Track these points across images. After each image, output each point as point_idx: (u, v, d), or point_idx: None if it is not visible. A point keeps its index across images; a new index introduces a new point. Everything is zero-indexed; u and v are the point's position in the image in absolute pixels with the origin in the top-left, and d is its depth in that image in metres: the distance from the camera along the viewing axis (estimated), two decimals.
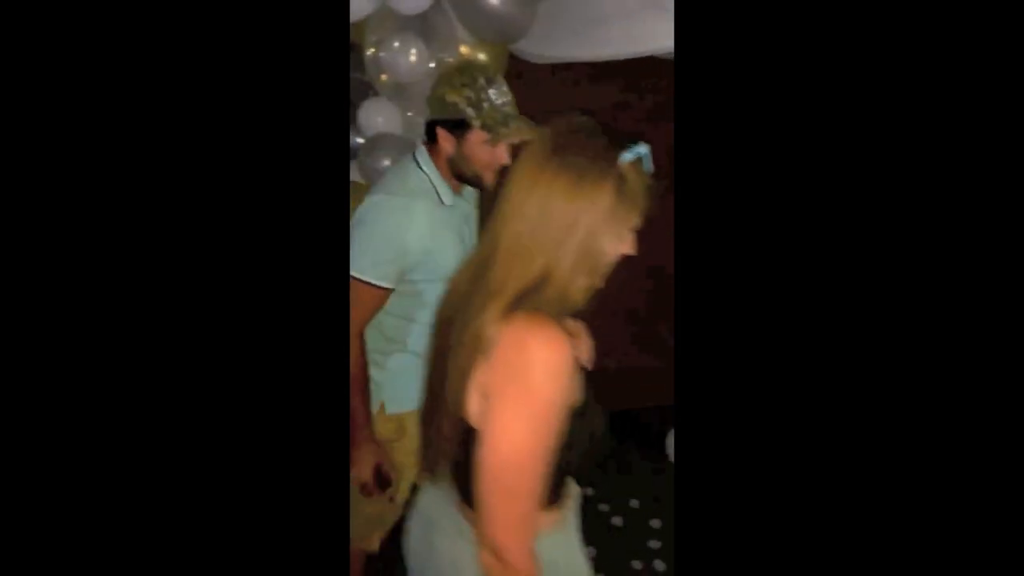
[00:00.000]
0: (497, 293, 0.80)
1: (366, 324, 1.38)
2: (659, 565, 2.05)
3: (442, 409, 0.87)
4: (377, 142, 1.88)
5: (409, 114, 1.95)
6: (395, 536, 1.33)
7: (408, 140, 1.89)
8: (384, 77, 1.87)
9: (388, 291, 1.35)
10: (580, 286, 0.82)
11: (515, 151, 1.32)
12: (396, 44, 1.77)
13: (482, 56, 1.90)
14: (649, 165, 0.82)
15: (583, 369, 0.98)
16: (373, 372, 1.43)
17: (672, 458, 2.60)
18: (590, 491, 2.46)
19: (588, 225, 0.79)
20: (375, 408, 1.45)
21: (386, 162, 1.82)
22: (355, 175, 1.96)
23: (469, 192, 1.53)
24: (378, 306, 1.37)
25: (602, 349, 1.12)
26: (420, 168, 1.40)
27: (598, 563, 2.15)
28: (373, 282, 1.31)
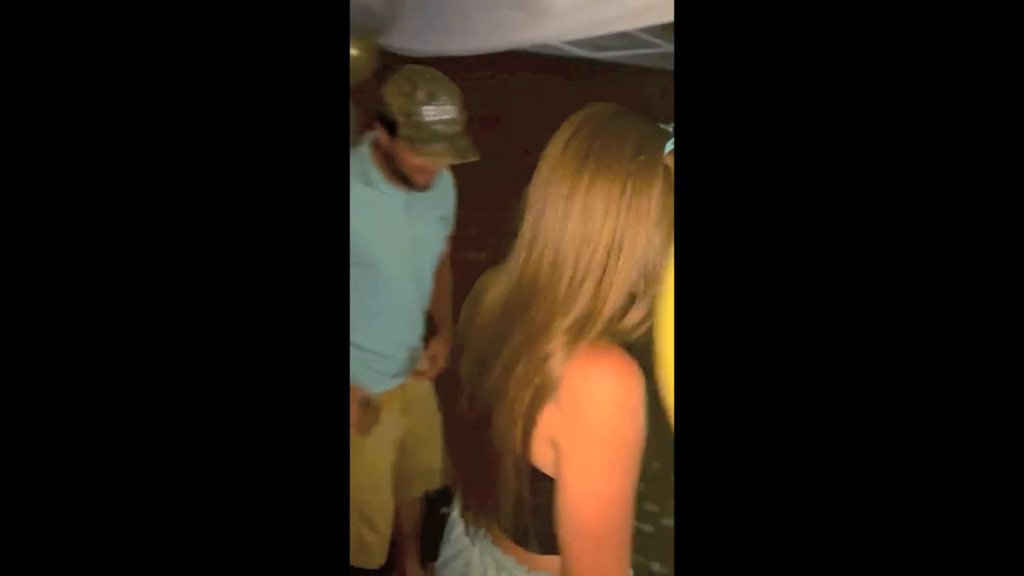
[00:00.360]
0: (547, 326, 0.70)
1: None
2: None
3: (495, 455, 0.77)
4: None
5: None
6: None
7: None
8: None
9: None
10: (640, 309, 0.72)
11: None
12: None
13: (354, 52, 1.85)
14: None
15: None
16: None
17: None
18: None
19: (641, 234, 0.69)
20: None
21: None
22: None
23: (445, 181, 1.53)
24: None
25: None
26: (363, 150, 1.41)
27: None
28: None
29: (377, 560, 1.60)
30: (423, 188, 1.42)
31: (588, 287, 0.69)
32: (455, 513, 0.99)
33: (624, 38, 2.09)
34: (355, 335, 1.42)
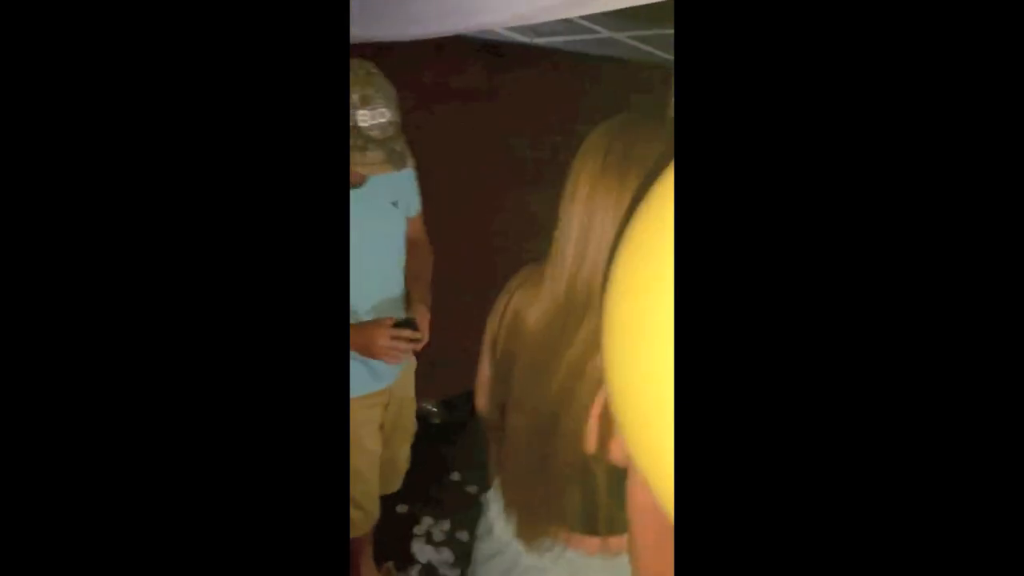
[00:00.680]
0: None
1: None
2: None
3: (560, 456, 0.83)
4: None
5: None
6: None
7: None
8: None
9: None
10: None
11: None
12: None
13: None
14: None
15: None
16: None
17: None
18: (456, 476, 2.46)
19: None
20: None
21: None
22: None
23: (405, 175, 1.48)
24: None
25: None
26: None
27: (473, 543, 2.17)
28: None
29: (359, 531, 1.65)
30: (356, 185, 1.37)
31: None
32: (492, 512, 1.04)
33: (564, 24, 2.08)
34: None
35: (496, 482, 1.05)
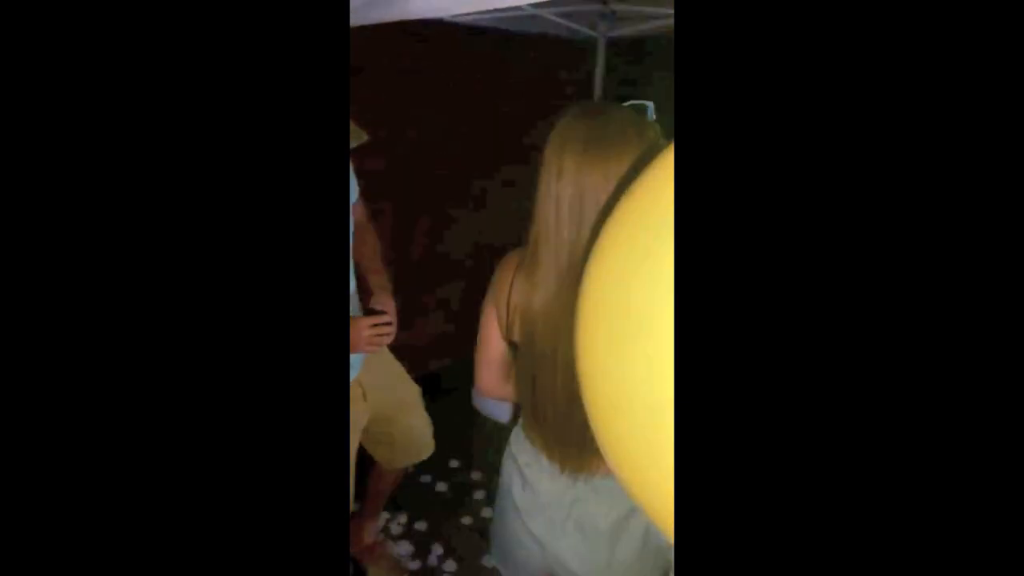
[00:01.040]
0: None
1: None
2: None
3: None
4: None
5: None
6: None
7: None
8: None
9: None
10: None
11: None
12: None
13: None
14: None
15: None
16: None
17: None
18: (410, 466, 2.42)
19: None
20: None
21: None
22: None
23: None
24: None
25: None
26: None
27: (431, 533, 2.16)
28: None
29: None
30: None
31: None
32: (539, 466, 1.09)
33: None
34: None
35: (519, 439, 1.12)
